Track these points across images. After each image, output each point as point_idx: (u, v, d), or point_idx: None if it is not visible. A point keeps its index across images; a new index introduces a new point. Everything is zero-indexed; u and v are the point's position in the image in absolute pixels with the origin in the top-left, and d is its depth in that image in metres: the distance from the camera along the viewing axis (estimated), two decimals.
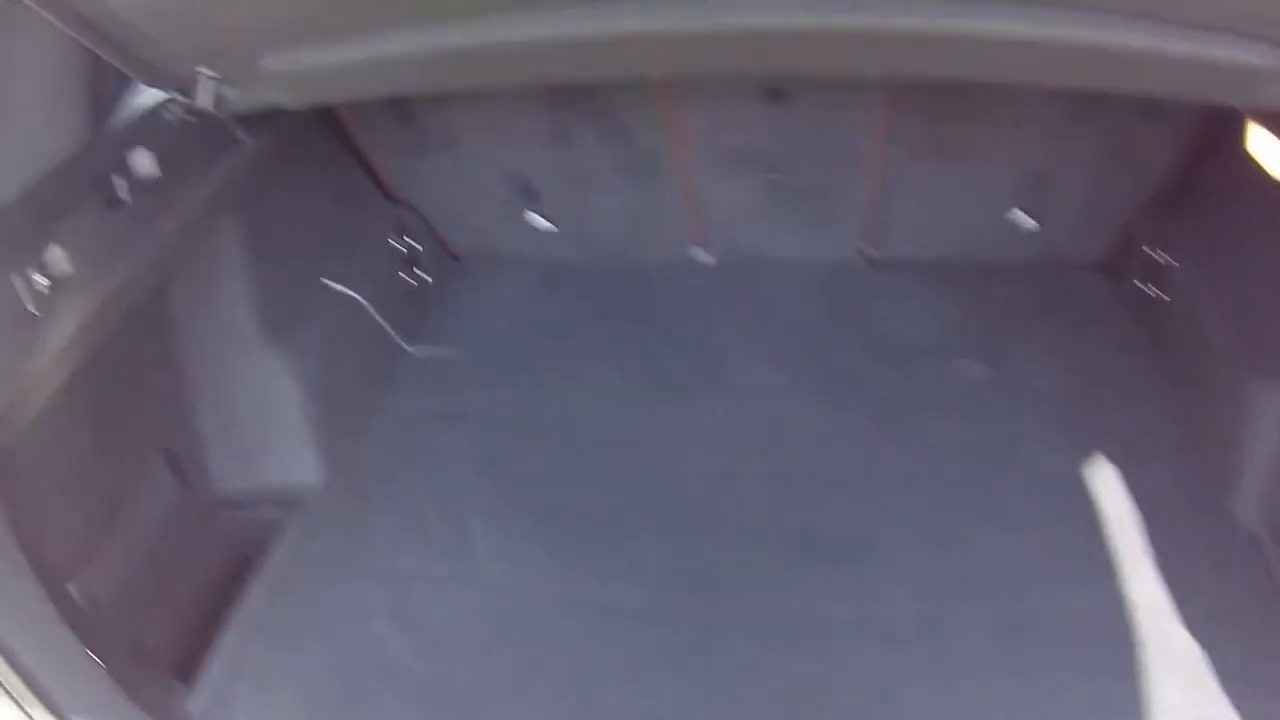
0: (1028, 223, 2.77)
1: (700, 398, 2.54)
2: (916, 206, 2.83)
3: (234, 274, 2.37)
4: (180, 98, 2.04)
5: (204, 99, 2.02)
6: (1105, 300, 2.77)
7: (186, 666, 2.00)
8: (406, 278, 2.97)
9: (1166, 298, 2.54)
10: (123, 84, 2.01)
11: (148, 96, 2.04)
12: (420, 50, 1.89)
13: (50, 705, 1.62)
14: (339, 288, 2.62)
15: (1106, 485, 2.21)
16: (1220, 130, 2.48)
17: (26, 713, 1.62)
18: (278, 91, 2.05)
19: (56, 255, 1.72)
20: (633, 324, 2.86)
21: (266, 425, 2.40)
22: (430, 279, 3.06)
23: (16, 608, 1.64)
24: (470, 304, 3.07)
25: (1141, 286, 2.64)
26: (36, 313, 1.67)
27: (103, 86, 1.94)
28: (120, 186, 1.87)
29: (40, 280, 1.68)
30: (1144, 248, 2.64)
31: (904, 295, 2.82)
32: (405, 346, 2.83)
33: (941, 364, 2.57)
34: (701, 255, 3.05)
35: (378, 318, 2.72)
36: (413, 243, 3.02)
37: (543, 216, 3.04)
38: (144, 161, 1.93)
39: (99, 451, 2.02)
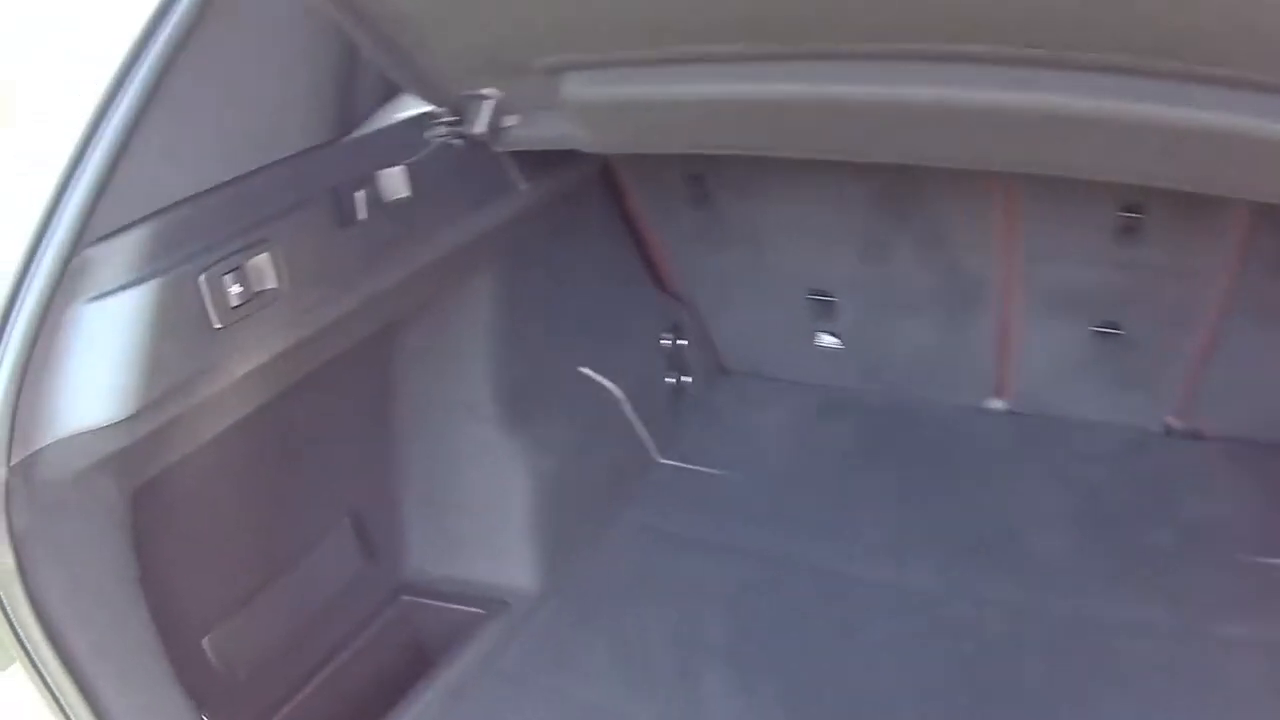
0: None
1: (984, 567, 2.14)
2: (1249, 376, 2.35)
3: (477, 339, 2.12)
4: (450, 117, 1.79)
5: (480, 122, 1.75)
6: None
7: None
8: (670, 381, 2.67)
9: None
10: (384, 92, 1.81)
11: (410, 111, 1.81)
12: (742, 93, 1.57)
13: None
14: (597, 378, 2.35)
15: None
16: None
17: None
18: (568, 125, 1.76)
19: (261, 264, 1.48)
20: (912, 470, 2.47)
21: (483, 514, 2.15)
22: (694, 387, 2.76)
23: (121, 655, 1.37)
24: (734, 422, 2.74)
25: None
26: (219, 324, 1.43)
27: (358, 91, 1.75)
28: (359, 202, 1.62)
29: (234, 289, 1.44)
30: None
31: (1222, 475, 2.35)
32: (656, 456, 2.53)
33: (1261, 559, 2.08)
34: (995, 404, 2.65)
35: (633, 419, 2.44)
36: (682, 343, 2.72)
37: (833, 335, 2.70)
38: (394, 180, 1.67)
39: (274, 497, 1.80)
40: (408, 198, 1.67)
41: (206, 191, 1.46)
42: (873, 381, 2.72)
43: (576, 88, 1.66)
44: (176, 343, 1.38)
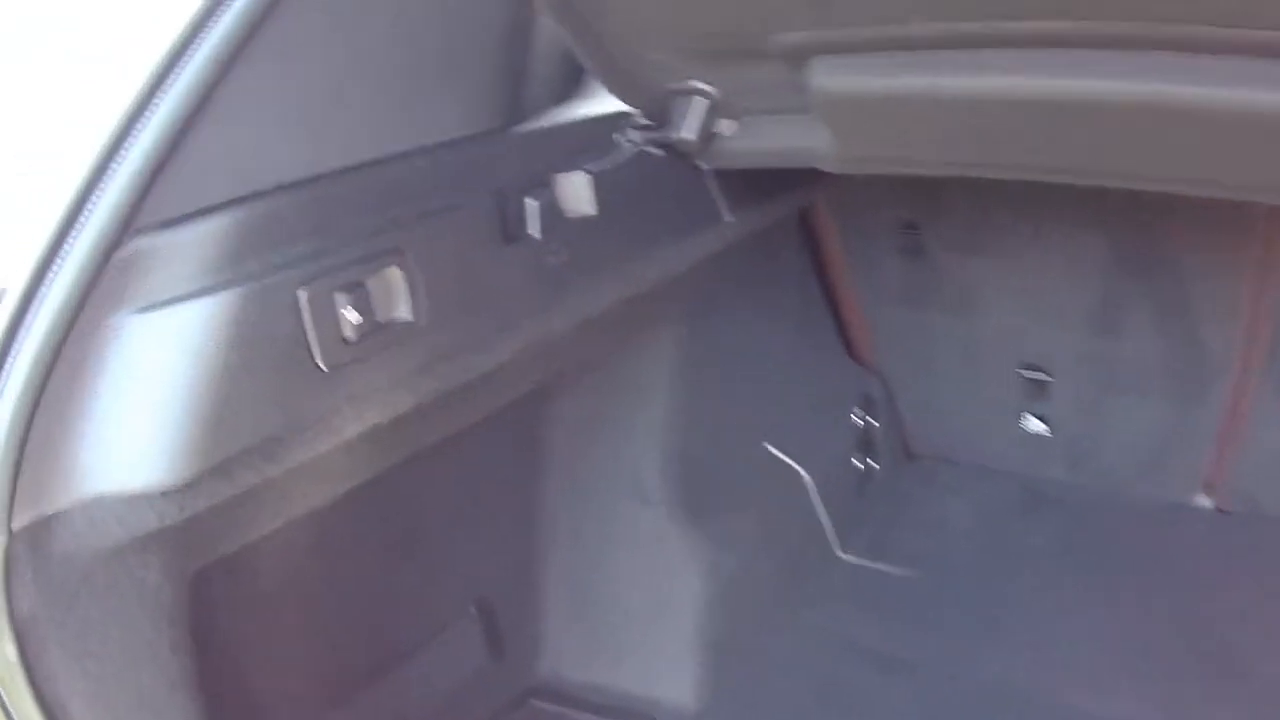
0: None
1: (1205, 696, 1.84)
2: None
3: (651, 406, 1.77)
4: (647, 120, 1.41)
5: (688, 126, 1.38)
6: None
7: None
8: (856, 463, 2.30)
9: None
10: (562, 78, 1.43)
11: (595, 107, 1.43)
12: (1067, 92, 1.15)
13: None
14: (784, 458, 1.99)
15: None
16: None
17: None
18: (803, 134, 1.36)
19: (390, 283, 1.07)
20: (1118, 576, 2.17)
21: (639, 613, 1.85)
22: (880, 471, 2.40)
23: None
24: (922, 513, 2.42)
25: None
26: (325, 364, 1.02)
27: (530, 71, 1.36)
28: (530, 213, 1.22)
29: (350, 315, 1.03)
30: None
31: None
32: (837, 550, 2.19)
33: None
34: (1203, 500, 2.35)
35: (819, 507, 2.09)
36: (871, 420, 2.36)
37: (1040, 419, 2.38)
38: (578, 189, 1.26)
39: (385, 581, 1.45)
40: (592, 215, 1.29)
41: (317, 177, 1.05)
42: (1077, 472, 2.43)
43: (830, 77, 1.25)
44: (261, 384, 0.98)
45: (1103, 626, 2.00)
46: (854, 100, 1.28)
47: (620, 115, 1.42)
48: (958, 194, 2.11)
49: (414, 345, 1.11)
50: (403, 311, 1.09)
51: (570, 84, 1.46)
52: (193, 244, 0.93)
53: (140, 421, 0.91)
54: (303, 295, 0.98)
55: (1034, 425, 2.40)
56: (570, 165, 1.31)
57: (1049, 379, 2.31)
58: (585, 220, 1.28)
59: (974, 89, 1.19)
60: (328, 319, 1.00)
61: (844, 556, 2.21)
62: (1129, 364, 2.24)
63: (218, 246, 0.94)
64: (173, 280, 0.92)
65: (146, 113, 0.90)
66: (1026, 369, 2.32)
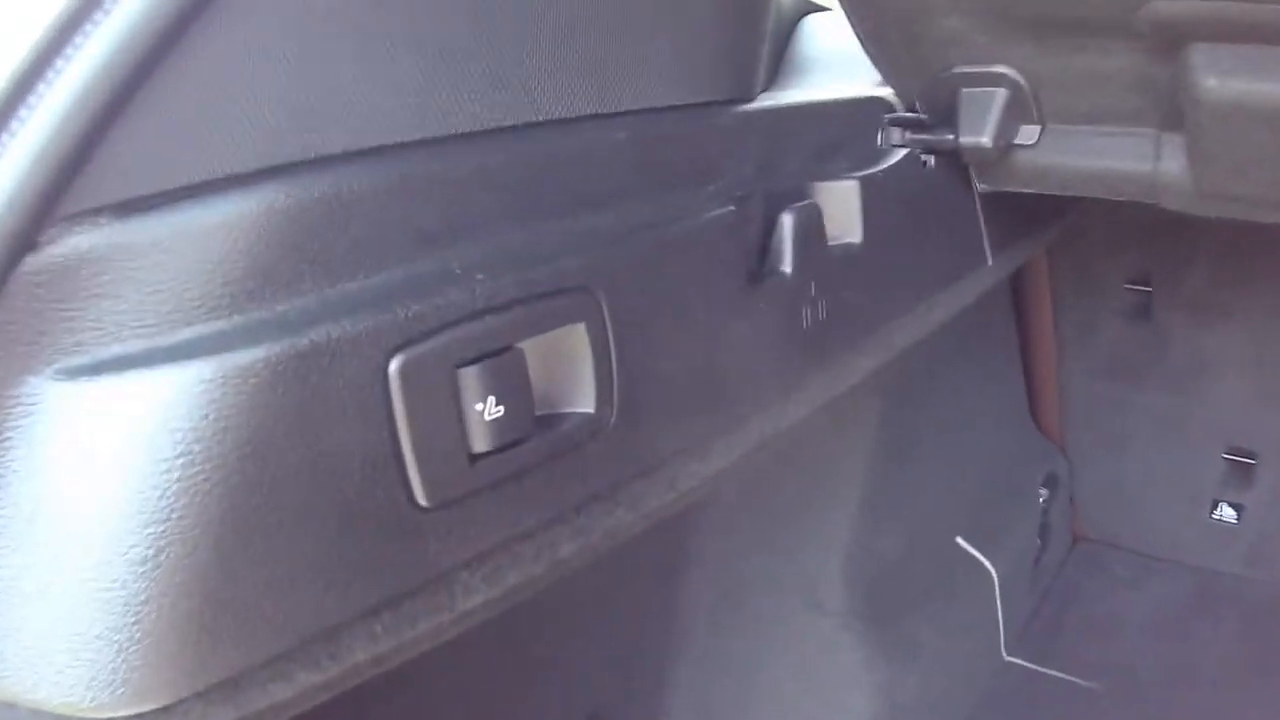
0: None
1: None
2: None
3: (838, 494, 1.36)
4: (913, 115, 1.01)
5: (984, 126, 0.97)
6: None
7: None
8: (1036, 550, 1.96)
9: None
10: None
11: (834, 86, 1.03)
12: None
13: None
14: (974, 552, 1.65)
15: None
16: None
17: None
18: (1143, 154, 0.96)
19: (566, 354, 0.59)
20: None
21: None
22: (1048, 559, 2.07)
23: None
24: (1094, 609, 2.10)
25: None
26: (427, 503, 0.52)
27: (747, 25, 0.88)
28: (785, 239, 0.80)
29: (486, 412, 0.54)
30: None
31: None
32: (1004, 654, 1.86)
33: None
34: None
35: (999, 609, 1.75)
36: (1054, 504, 2.02)
37: (1234, 507, 2.07)
38: (845, 205, 0.87)
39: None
40: (857, 245, 0.89)
41: (420, 145, 0.55)
42: (1257, 564, 2.14)
43: (1225, 76, 0.84)
44: (304, 540, 0.48)
45: None
46: (1250, 112, 0.86)
47: (872, 102, 1.02)
48: (1209, 242, 1.75)
49: (594, 457, 0.63)
50: (585, 400, 0.62)
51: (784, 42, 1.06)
52: (167, 251, 0.46)
53: (79, 588, 0.45)
54: (394, 367, 0.50)
55: (1226, 514, 2.10)
56: (819, 167, 0.91)
57: (1254, 461, 1.99)
58: (846, 254, 0.88)
59: None
60: (443, 413, 0.52)
61: (1009, 659, 1.87)
62: None
63: (217, 260, 0.47)
64: (129, 317, 0.46)
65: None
66: (1232, 453, 2.00)
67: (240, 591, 0.45)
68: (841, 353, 0.88)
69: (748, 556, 1.35)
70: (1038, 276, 1.86)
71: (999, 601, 1.75)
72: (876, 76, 1.07)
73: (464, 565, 0.55)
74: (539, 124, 0.61)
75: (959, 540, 1.62)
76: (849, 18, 0.94)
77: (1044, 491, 1.96)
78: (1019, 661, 1.89)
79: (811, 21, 1.28)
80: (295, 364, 0.45)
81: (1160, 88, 0.93)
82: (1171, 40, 0.87)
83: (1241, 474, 2.05)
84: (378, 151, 0.51)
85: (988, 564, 1.68)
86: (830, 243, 0.84)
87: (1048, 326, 1.95)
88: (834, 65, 1.10)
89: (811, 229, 0.81)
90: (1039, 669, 1.90)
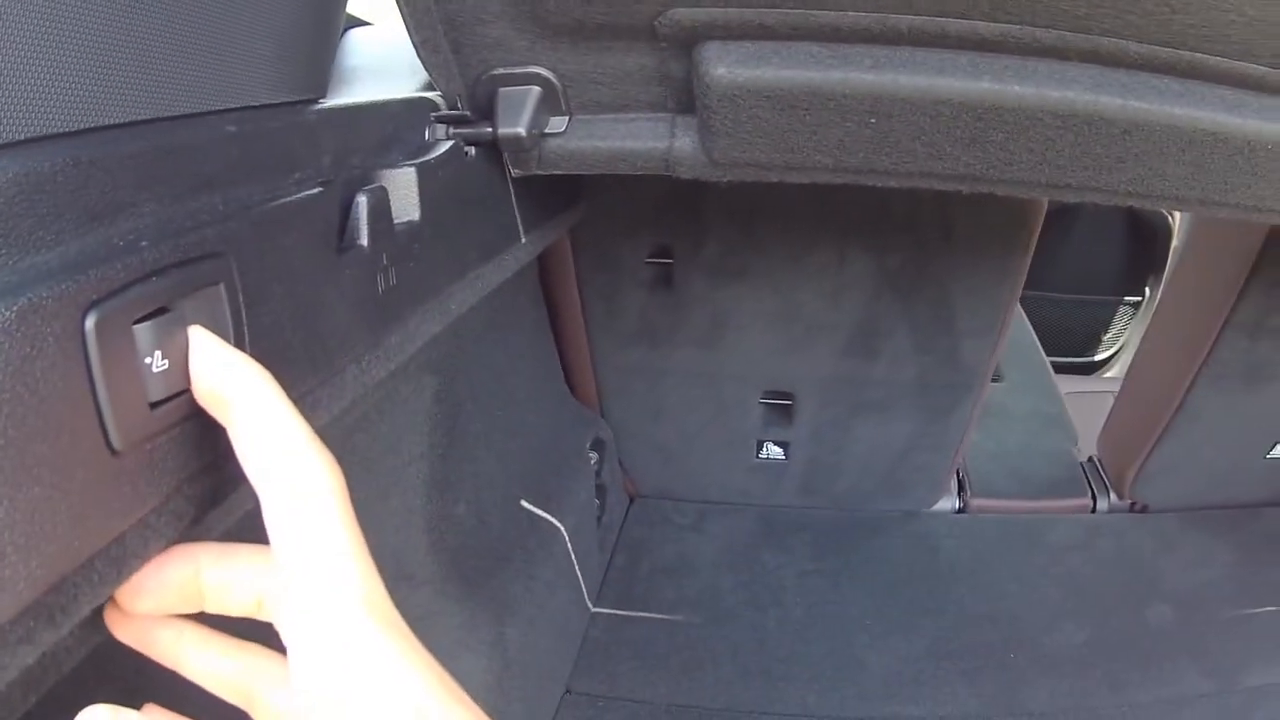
0: None
1: (1013, 681, 1.87)
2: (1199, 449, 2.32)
3: (411, 477, 1.40)
4: (457, 112, 1.15)
5: (520, 119, 1.13)
6: None
7: None
8: (596, 509, 2.10)
9: None
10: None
11: (388, 86, 1.15)
12: (984, 95, 1.03)
13: None
14: (541, 513, 1.74)
15: None
16: None
17: None
18: (663, 133, 1.15)
19: (209, 311, 0.65)
20: (886, 588, 2.15)
21: None
22: (609, 516, 2.22)
23: None
24: (664, 555, 2.25)
25: None
26: (119, 447, 0.56)
27: (319, 30, 0.99)
28: (359, 214, 0.91)
29: (158, 360, 0.58)
30: None
31: (1184, 545, 2.31)
32: (589, 604, 1.99)
33: (1252, 610, 2.07)
34: (947, 503, 2.41)
35: (574, 563, 1.85)
36: (603, 465, 2.16)
37: (780, 446, 2.29)
38: (404, 189, 0.99)
39: None
40: (417, 223, 1.01)
41: (91, 131, 0.61)
42: (813, 495, 2.39)
43: (728, 66, 1.05)
44: (39, 488, 0.51)
45: (890, 639, 1.97)
46: (752, 93, 1.08)
47: (422, 102, 1.15)
48: (719, 215, 1.93)
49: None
50: None
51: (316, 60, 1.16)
52: None
53: None
54: (90, 324, 0.54)
55: (773, 452, 2.31)
56: (380, 158, 1.02)
57: (790, 404, 2.19)
58: (408, 231, 0.99)
59: (887, 87, 1.04)
60: (127, 365, 0.57)
61: (597, 610, 2.00)
62: (877, 388, 2.16)
63: None
64: None
65: None
66: (769, 396, 2.19)
67: None
68: (410, 316, 0.99)
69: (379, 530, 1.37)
70: (562, 256, 1.97)
71: (573, 557, 1.84)
72: (419, 82, 1.20)
73: (155, 509, 0.60)
74: (174, 118, 0.69)
75: (524, 503, 1.71)
76: (407, 27, 1.06)
77: (594, 455, 2.08)
78: (605, 610, 2.00)
79: (356, 34, 1.39)
80: (5, 327, 0.49)
81: (676, 79, 1.12)
82: (687, 40, 1.06)
83: (781, 414, 2.20)
84: (53, 139, 0.57)
85: (555, 521, 1.78)
86: (396, 221, 0.96)
87: (575, 303, 2.05)
88: (381, 71, 1.22)
89: (381, 209, 0.91)
90: (625, 613, 2.01)
